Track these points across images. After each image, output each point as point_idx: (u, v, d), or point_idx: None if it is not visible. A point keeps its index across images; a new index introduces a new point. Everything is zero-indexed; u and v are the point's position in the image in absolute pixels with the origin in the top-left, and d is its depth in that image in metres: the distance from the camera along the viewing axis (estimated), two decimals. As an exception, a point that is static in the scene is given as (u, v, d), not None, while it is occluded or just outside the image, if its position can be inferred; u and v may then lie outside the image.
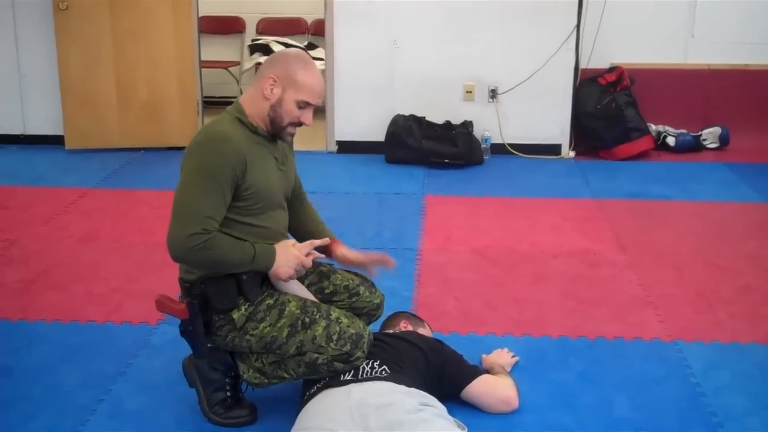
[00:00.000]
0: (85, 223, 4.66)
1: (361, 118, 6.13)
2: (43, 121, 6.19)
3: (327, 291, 2.83)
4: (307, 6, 7.55)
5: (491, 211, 4.91)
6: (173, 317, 2.64)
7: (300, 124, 2.63)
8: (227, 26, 7.72)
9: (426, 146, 5.81)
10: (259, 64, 7.37)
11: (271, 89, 2.56)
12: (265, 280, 2.64)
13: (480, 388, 2.74)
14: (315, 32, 7.57)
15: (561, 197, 5.17)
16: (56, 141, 6.08)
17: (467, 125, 5.93)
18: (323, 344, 2.54)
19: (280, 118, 2.58)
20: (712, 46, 6.24)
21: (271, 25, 7.71)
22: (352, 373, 2.56)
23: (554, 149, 6.04)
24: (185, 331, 2.62)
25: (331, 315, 2.59)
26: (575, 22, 5.90)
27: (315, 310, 2.60)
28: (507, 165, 5.86)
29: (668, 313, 3.55)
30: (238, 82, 7.57)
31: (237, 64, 7.60)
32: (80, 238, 4.42)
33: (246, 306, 2.58)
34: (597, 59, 6.16)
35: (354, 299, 2.84)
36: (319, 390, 2.55)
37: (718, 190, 5.34)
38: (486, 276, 3.91)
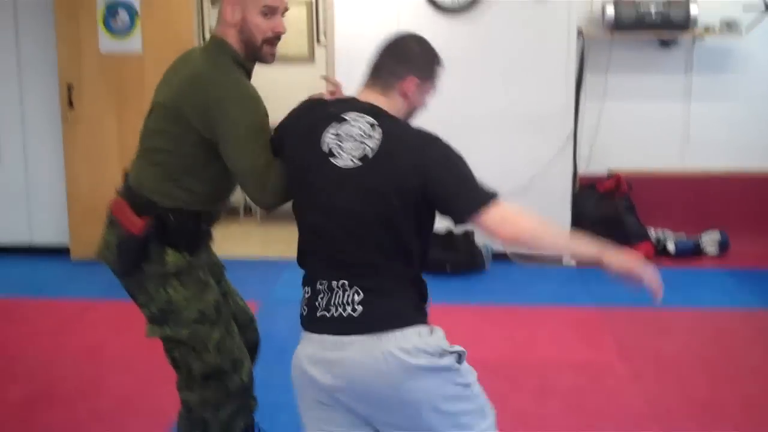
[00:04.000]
0: (89, 336, 4.68)
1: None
2: (49, 231, 6.27)
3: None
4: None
5: (493, 321, 4.93)
6: (120, 227, 2.62)
7: (275, 38, 2.56)
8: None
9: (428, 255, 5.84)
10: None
11: (233, 12, 2.52)
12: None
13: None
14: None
15: (563, 305, 5.20)
16: (62, 251, 6.15)
17: (468, 234, 6.00)
18: (210, 349, 2.60)
19: (252, 37, 2.53)
20: (709, 150, 6.38)
21: (275, 132, 7.86)
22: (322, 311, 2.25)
23: (555, 256, 6.10)
24: (125, 245, 2.58)
25: (231, 328, 2.68)
26: (572, 129, 6.04)
27: (225, 317, 2.69)
28: (509, 272, 5.91)
29: (674, 430, 3.54)
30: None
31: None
32: (85, 352, 4.43)
33: (185, 256, 2.60)
34: (594, 165, 6.29)
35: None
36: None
37: (719, 296, 5.37)
38: (488, 388, 3.86)
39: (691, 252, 6.15)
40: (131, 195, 2.63)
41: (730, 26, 6.03)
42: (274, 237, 7.22)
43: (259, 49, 2.56)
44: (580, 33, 6.03)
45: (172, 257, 2.59)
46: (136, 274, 2.60)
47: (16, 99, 6.19)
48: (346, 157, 2.23)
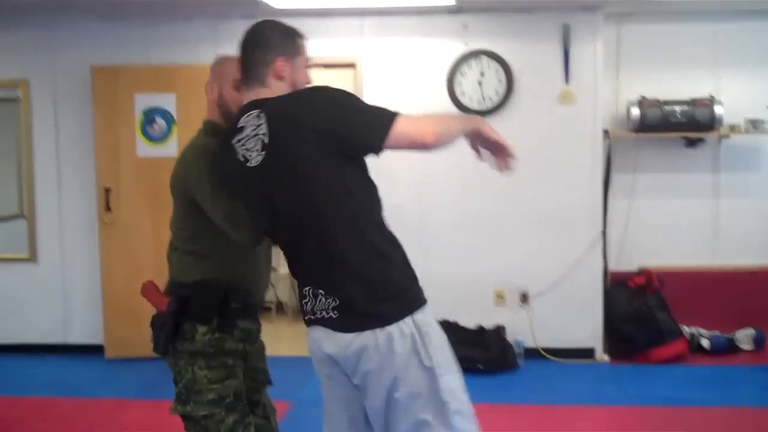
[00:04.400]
0: (122, 436, 4.69)
1: (394, 322, 6.19)
2: (84, 330, 6.35)
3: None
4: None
5: (527, 421, 4.87)
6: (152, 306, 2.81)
7: None
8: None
9: (458, 351, 5.81)
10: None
11: (211, 90, 2.84)
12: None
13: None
14: (348, 237, 7.77)
15: (597, 404, 5.12)
16: (96, 350, 6.21)
17: (499, 330, 5.99)
18: None
19: (226, 106, 2.79)
20: (739, 246, 6.36)
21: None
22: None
23: (588, 353, 6.06)
24: (156, 323, 2.80)
25: (247, 419, 2.79)
26: (601, 227, 6.08)
27: (243, 407, 2.81)
28: (541, 370, 5.86)
29: None
30: (274, 287, 7.73)
31: (273, 270, 7.78)
32: (117, 453, 4.44)
33: (213, 335, 2.75)
34: (625, 262, 6.29)
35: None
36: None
37: (756, 393, 5.27)
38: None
39: (726, 348, 6.07)
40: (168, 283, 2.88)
41: (755, 125, 6.10)
42: (306, 335, 7.22)
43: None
44: (606, 133, 6.13)
45: (201, 335, 2.75)
46: (172, 353, 2.79)
47: (55, 201, 6.37)
48: (254, 155, 2.39)
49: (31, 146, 6.37)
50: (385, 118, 2.31)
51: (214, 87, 2.84)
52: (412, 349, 2.37)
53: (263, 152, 2.36)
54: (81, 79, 6.18)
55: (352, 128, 2.31)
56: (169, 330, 2.75)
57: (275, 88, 2.46)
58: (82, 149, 6.28)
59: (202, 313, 2.76)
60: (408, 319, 2.39)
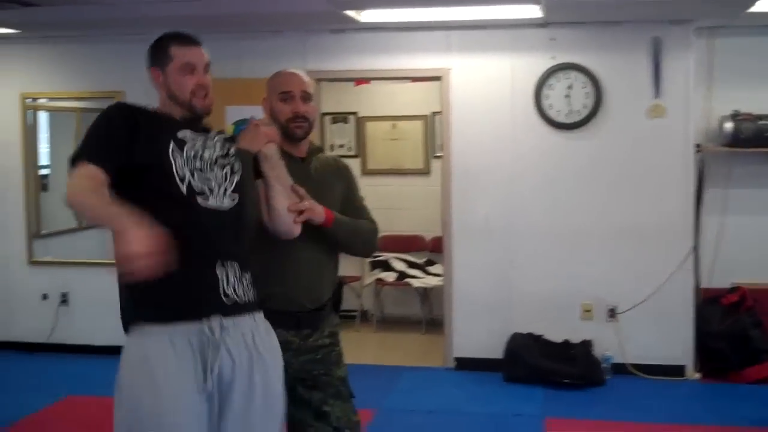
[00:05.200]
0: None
1: (478, 334, 6.21)
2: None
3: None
4: (426, 224, 7.86)
5: (613, 437, 4.81)
6: None
7: (294, 117, 2.97)
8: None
9: (544, 365, 5.80)
10: (379, 279, 7.64)
11: (265, 105, 3.05)
12: None
13: None
14: (433, 249, 7.82)
15: (686, 423, 5.01)
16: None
17: (587, 345, 5.92)
18: None
19: (277, 119, 2.98)
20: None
21: (391, 242, 8.01)
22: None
23: (678, 370, 5.92)
24: None
25: None
26: (693, 243, 5.95)
27: None
28: (629, 386, 5.76)
29: None
30: (359, 296, 7.81)
31: (358, 279, 7.88)
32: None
33: None
34: (718, 279, 6.12)
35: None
36: None
37: None
38: None
39: (824, 369, 5.87)
40: None
41: None
42: (390, 344, 7.29)
43: (287, 129, 2.94)
44: (698, 148, 6.00)
45: None
46: None
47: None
48: None
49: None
50: (75, 153, 2.37)
51: (266, 102, 3.01)
52: None
53: None
54: (175, 92, 6.35)
55: None
56: None
57: (161, 98, 2.65)
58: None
59: None
60: None
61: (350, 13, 5.50)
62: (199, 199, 2.46)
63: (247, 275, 2.55)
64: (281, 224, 2.75)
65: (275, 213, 2.72)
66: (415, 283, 7.58)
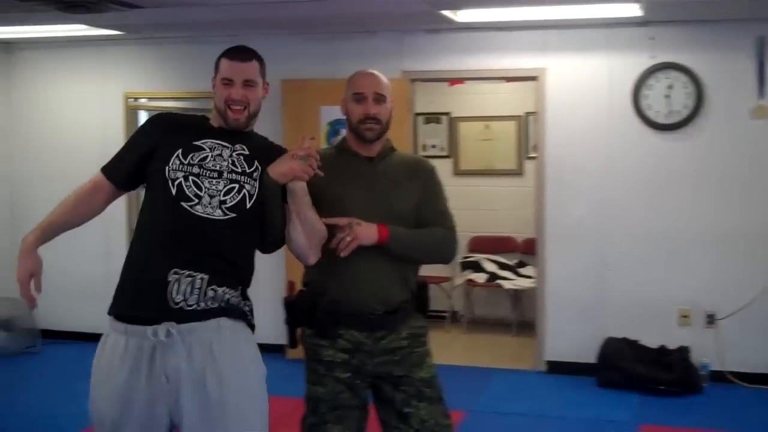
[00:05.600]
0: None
1: (571, 338, 6.13)
2: (266, 331, 6.59)
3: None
4: (518, 225, 7.80)
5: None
6: None
7: (365, 119, 2.97)
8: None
9: (639, 371, 5.69)
10: (470, 280, 7.62)
11: (343, 108, 3.04)
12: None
13: None
14: (525, 250, 7.75)
15: (789, 435, 4.86)
16: (278, 349, 6.45)
17: (683, 351, 5.77)
18: (305, 422, 2.97)
19: (349, 121, 3.03)
20: None
21: (483, 243, 7.99)
22: None
23: (776, 377, 5.74)
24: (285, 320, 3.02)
25: (325, 426, 2.90)
26: (798, 247, 5.76)
27: (322, 411, 2.93)
28: (727, 395, 5.60)
29: None
30: (449, 297, 7.80)
31: (448, 279, 7.86)
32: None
33: (312, 339, 2.93)
34: (823, 286, 5.90)
35: None
36: None
37: None
38: None
39: None
40: None
41: None
42: (481, 345, 7.26)
43: (357, 130, 2.97)
44: (805, 148, 5.79)
45: (304, 336, 2.98)
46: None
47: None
48: None
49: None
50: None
51: (343, 102, 3.03)
52: None
53: None
54: (271, 92, 6.40)
55: None
56: (290, 326, 3.01)
57: None
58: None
59: (298, 315, 2.96)
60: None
61: (446, 12, 5.50)
62: (186, 205, 2.55)
63: (216, 285, 2.55)
64: (297, 253, 2.79)
65: (292, 243, 2.75)
66: (507, 284, 7.53)
